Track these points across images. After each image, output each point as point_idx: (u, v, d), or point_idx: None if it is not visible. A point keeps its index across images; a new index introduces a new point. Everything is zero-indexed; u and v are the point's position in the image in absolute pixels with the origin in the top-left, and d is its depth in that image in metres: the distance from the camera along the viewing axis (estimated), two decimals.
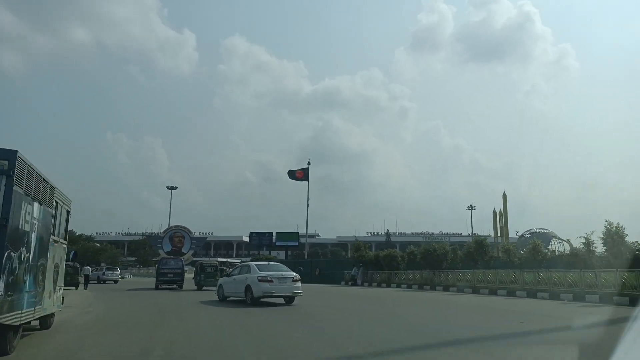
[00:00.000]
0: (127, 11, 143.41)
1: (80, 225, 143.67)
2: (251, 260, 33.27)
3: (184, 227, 56.67)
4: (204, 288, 26.74)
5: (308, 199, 56.73)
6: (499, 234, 35.79)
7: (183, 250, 54.99)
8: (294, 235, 66.07)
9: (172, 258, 37.21)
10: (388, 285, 30.58)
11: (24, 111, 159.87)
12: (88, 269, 31.98)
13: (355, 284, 34.01)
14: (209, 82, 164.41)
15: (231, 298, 17.62)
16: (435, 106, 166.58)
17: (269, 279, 15.85)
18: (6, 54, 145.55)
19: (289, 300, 16.36)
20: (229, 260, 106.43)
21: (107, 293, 24.33)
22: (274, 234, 68.00)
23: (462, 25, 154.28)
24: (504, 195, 36.94)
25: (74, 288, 26.15)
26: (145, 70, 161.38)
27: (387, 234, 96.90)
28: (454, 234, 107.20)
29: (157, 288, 27.90)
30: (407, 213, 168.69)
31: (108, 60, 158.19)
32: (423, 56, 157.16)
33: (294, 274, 16.94)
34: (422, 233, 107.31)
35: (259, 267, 16.93)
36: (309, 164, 58.41)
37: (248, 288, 16.20)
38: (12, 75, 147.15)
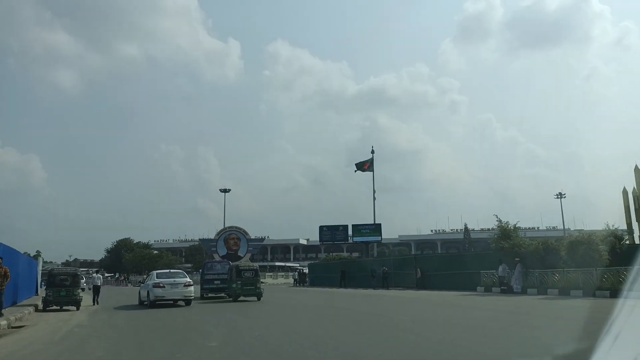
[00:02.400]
0: (174, 24, 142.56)
1: (139, 233, 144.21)
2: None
3: (240, 228, 50.85)
4: (241, 299, 20.84)
5: (374, 191, 49.71)
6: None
7: (239, 253, 49.24)
8: (376, 229, 50.57)
9: (218, 261, 30.88)
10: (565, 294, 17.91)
11: (82, 126, 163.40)
12: (97, 278, 23.31)
13: (508, 289, 20.88)
14: (254, 89, 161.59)
15: (145, 302, 18.92)
16: (486, 98, 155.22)
17: (161, 285, 18.18)
18: (64, 73, 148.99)
19: (186, 302, 18.46)
20: (287, 264, 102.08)
21: (120, 313, 16.78)
22: (350, 227, 53.03)
23: (511, 10, 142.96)
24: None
25: (74, 308, 17.14)
26: (193, 81, 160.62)
27: (466, 230, 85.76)
28: (528, 228, 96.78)
29: (202, 297, 23.14)
30: (463, 209, 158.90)
31: (158, 74, 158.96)
32: (471, 46, 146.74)
33: (187, 280, 19.22)
34: (491, 229, 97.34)
35: (157, 275, 19.61)
36: (372, 152, 51.63)
37: (148, 293, 18.60)
38: (70, 93, 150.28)
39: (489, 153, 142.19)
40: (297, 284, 45.09)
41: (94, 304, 20.33)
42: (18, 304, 17.66)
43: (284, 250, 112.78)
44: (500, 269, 21.70)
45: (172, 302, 18.21)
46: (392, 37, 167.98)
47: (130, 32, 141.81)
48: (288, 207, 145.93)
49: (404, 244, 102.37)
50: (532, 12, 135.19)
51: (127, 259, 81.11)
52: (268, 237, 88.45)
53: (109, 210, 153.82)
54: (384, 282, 30.44)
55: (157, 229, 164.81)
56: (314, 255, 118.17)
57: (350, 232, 52.73)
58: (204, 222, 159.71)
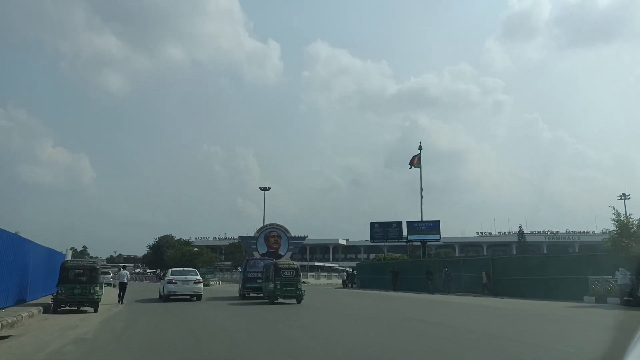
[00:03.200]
0: (217, 26, 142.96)
1: (180, 230, 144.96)
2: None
3: (280, 226, 47.89)
4: (279, 301, 18.52)
5: (422, 189, 45.81)
6: None
7: (280, 251, 46.31)
8: (434, 227, 44.43)
9: (261, 258, 28.28)
10: None
11: (129, 127, 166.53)
12: (124, 274, 19.62)
13: (635, 301, 16.23)
14: (294, 90, 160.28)
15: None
16: (532, 98, 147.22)
17: (174, 281, 20.56)
18: (113, 76, 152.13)
19: (197, 298, 20.58)
20: (326, 264, 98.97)
21: (141, 320, 13.05)
22: (404, 225, 45.85)
23: (560, 7, 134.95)
24: None
25: (91, 309, 14.83)
26: (235, 83, 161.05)
27: (520, 233, 79.32)
28: (583, 232, 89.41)
29: (242, 297, 21.90)
30: (507, 212, 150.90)
31: (201, 75, 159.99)
32: (517, 44, 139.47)
33: (197, 277, 21.41)
34: (543, 232, 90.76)
35: (172, 272, 21.78)
36: (420, 148, 47.65)
37: (162, 289, 21.15)
38: (118, 95, 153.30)
39: (535, 154, 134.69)
40: (346, 285, 41.95)
41: (119, 302, 18.44)
42: (27, 303, 15.20)
43: (323, 250, 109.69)
44: (618, 275, 17.16)
45: (188, 297, 20.56)
46: (434, 35, 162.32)
47: (175, 35, 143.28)
48: (326, 208, 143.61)
49: (447, 246, 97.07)
50: (583, 8, 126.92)
51: (169, 256, 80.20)
52: (307, 236, 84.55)
53: (153, 208, 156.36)
54: (446, 285, 26.76)
55: (198, 227, 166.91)
56: (353, 255, 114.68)
57: (404, 230, 46.57)
58: (243, 222, 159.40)
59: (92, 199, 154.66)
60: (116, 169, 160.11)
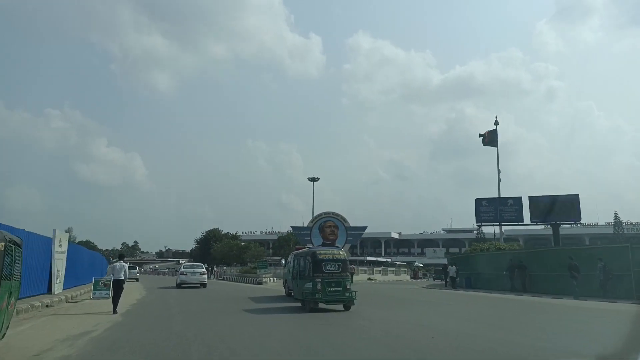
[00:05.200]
0: (259, 21, 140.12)
1: (228, 225, 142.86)
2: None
3: (337, 214, 42.36)
4: (321, 305, 13.22)
5: (499, 171, 39.08)
6: None
7: (337, 243, 40.87)
8: (572, 203, 31.75)
9: (317, 247, 22.78)
10: None
11: (177, 124, 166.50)
12: (120, 268, 12.86)
13: None
14: (336, 83, 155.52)
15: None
16: (587, 83, 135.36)
17: (184, 273, 27.08)
18: (160, 74, 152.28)
19: (202, 285, 26.50)
20: (379, 259, 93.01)
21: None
22: (525, 201, 33.12)
23: None
24: None
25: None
26: (277, 78, 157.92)
27: (617, 223, 64.72)
28: None
29: (289, 295, 18.49)
30: None
31: (244, 71, 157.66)
32: (571, 26, 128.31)
33: (203, 270, 27.89)
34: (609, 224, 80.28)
35: (184, 267, 29.40)
36: (496, 123, 40.93)
37: (177, 279, 27.16)
38: (166, 93, 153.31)
39: (590, 144, 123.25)
40: (448, 285, 31.03)
41: (113, 311, 12.21)
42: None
43: (374, 244, 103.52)
44: None
45: (197, 285, 26.34)
46: (480, 21, 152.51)
47: (218, 31, 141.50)
48: (371, 201, 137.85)
49: (511, 239, 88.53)
50: None
51: (216, 250, 76.71)
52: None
53: (202, 204, 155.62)
54: (604, 286, 18.14)
55: (244, 222, 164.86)
56: (406, 249, 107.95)
57: (525, 208, 32.86)
58: (289, 216, 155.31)
59: (144, 196, 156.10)
60: (166, 166, 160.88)
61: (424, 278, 61.34)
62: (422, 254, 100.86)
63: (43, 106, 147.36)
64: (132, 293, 20.31)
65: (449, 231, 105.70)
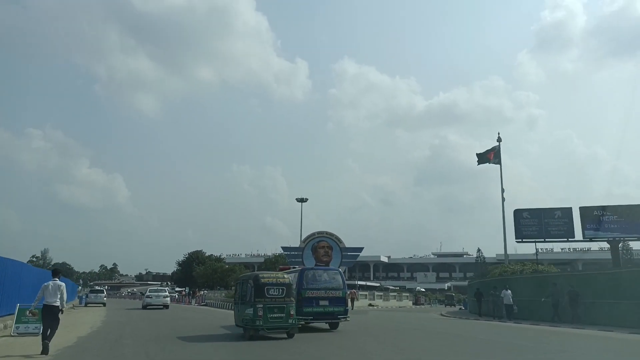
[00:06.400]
0: (246, 46, 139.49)
1: (211, 249, 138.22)
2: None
3: (332, 234, 39.25)
4: (264, 332, 12.12)
5: (502, 190, 36.84)
6: None
7: (332, 265, 37.72)
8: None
9: (322, 268, 20.26)
10: None
11: (161, 147, 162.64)
12: (55, 289, 9.17)
13: None
14: (321, 108, 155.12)
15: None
16: (566, 112, 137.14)
17: (149, 295, 31.16)
18: (145, 97, 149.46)
19: (164, 306, 30.17)
20: (368, 283, 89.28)
21: None
22: (575, 212, 28.56)
23: (595, 17, 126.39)
24: None
25: None
26: (263, 102, 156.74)
27: (616, 250, 63.72)
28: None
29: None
30: None
31: (230, 94, 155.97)
32: (551, 57, 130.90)
33: (166, 294, 32.76)
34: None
35: (149, 291, 33.31)
36: (499, 140, 38.92)
37: (144, 301, 31.45)
38: (150, 116, 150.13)
39: (570, 172, 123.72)
40: (496, 315, 23.35)
41: (42, 351, 8.75)
42: None
43: (363, 268, 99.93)
44: None
45: (160, 306, 30.11)
46: (463, 49, 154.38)
47: (206, 56, 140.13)
48: (356, 227, 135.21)
49: (498, 263, 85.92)
50: (619, 18, 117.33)
51: (198, 272, 72.31)
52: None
53: (184, 227, 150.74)
54: None
55: (228, 245, 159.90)
56: (395, 274, 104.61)
57: (576, 221, 28.11)
58: (273, 240, 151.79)
59: (126, 218, 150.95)
60: (149, 188, 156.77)
61: (426, 304, 57.67)
62: (412, 278, 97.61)
63: (25, 126, 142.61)
64: (86, 320, 17.67)
65: (439, 255, 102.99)
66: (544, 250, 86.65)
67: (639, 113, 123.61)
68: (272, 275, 13.23)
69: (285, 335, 12.38)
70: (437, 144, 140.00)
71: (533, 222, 29.43)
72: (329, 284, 15.23)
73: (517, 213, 30.11)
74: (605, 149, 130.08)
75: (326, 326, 15.78)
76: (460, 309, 40.72)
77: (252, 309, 12.08)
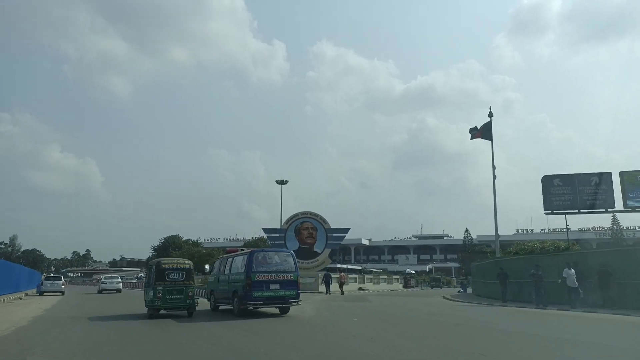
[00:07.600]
0: (222, 26, 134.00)
1: (188, 233, 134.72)
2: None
3: (316, 215, 36.87)
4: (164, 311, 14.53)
5: (494, 167, 35.07)
6: None
7: (316, 248, 35.51)
8: None
9: (273, 250, 17.03)
10: None
11: (135, 130, 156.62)
12: None
13: None
14: (299, 91, 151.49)
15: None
16: (541, 96, 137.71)
17: (104, 282, 37.02)
18: (118, 78, 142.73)
19: (117, 290, 35.53)
20: (349, 266, 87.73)
21: None
22: (615, 178, 24.52)
23: (571, 1, 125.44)
24: None
25: None
26: (240, 85, 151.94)
27: (615, 228, 61.21)
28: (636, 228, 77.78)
29: (240, 314, 14.06)
30: (516, 214, 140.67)
31: (206, 76, 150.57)
32: (527, 41, 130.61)
33: (118, 280, 38.06)
34: (597, 228, 78.65)
35: (104, 277, 40.18)
36: (490, 115, 37.04)
37: (98, 287, 36.64)
38: (123, 98, 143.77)
39: (543, 155, 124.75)
40: (539, 303, 18.42)
41: None
42: None
43: (343, 251, 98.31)
44: None
45: (113, 290, 35.30)
46: (441, 32, 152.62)
47: (179, 35, 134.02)
48: (335, 211, 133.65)
49: (484, 244, 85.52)
50: (595, 2, 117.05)
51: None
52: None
53: (160, 212, 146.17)
54: None
55: (205, 231, 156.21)
56: (376, 257, 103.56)
57: (616, 189, 24.21)
58: (250, 225, 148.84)
59: (100, 203, 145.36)
60: (123, 172, 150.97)
61: (416, 287, 56.09)
62: (393, 260, 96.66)
63: None
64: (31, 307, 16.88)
65: (420, 237, 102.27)
66: (527, 231, 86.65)
67: (610, 97, 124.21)
68: (173, 261, 14.73)
69: (186, 313, 14.40)
70: (415, 127, 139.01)
71: (565, 191, 25.00)
72: (280, 267, 14.42)
73: (546, 180, 25.71)
74: (577, 133, 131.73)
75: (276, 311, 15.08)
76: (459, 291, 38.85)
77: (152, 291, 13.81)
